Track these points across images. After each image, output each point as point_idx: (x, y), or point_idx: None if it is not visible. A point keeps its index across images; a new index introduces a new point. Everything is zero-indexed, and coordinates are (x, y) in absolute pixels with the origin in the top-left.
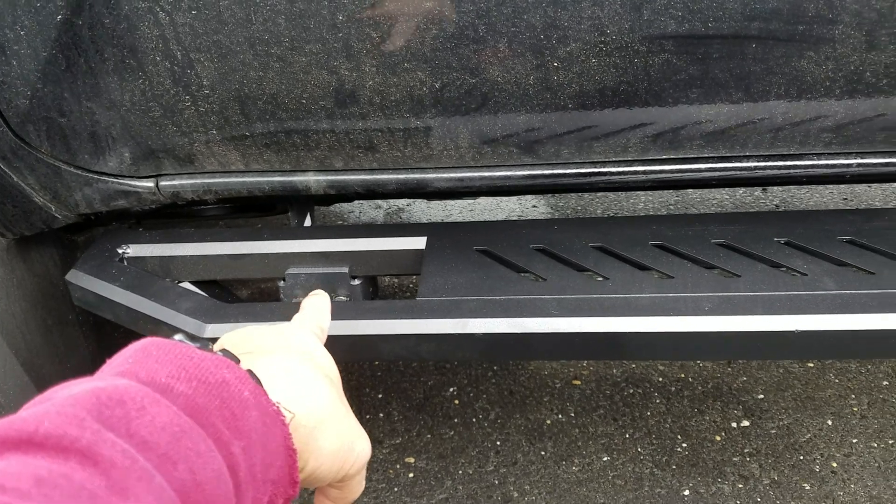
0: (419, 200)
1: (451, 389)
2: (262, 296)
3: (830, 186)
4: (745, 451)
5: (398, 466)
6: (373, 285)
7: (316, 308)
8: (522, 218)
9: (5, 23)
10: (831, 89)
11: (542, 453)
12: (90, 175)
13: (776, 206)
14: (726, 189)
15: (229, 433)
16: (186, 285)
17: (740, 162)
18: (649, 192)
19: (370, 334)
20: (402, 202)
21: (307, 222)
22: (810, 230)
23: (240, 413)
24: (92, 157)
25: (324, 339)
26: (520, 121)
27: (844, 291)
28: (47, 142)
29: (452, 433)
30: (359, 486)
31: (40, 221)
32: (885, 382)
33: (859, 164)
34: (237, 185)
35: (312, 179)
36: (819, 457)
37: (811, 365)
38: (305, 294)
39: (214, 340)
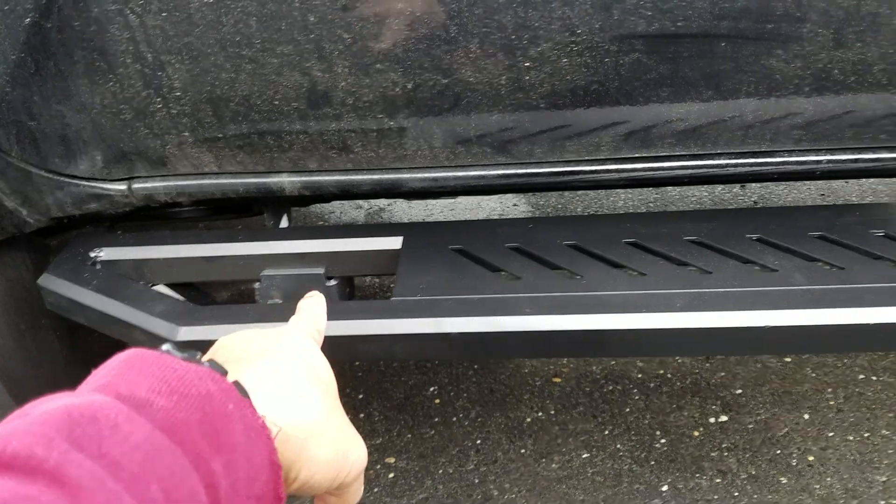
0: (400, 200)
1: (432, 388)
2: (243, 298)
3: (808, 183)
4: (723, 445)
5: (378, 467)
6: (349, 286)
7: (312, 310)
8: (503, 217)
9: None
10: (800, 87)
11: (522, 451)
12: (61, 178)
13: (754, 202)
14: (705, 186)
15: (210, 449)
16: (161, 288)
17: (712, 160)
18: (629, 190)
19: (345, 335)
20: (383, 202)
21: (284, 223)
22: (782, 227)
23: (222, 427)
24: (63, 161)
25: (320, 341)
26: (493, 121)
27: (814, 287)
28: (17, 145)
29: (433, 432)
30: (357, 492)
31: (11, 226)
32: (861, 376)
33: (829, 161)
34: (211, 187)
35: (287, 180)
36: (796, 451)
37: (788, 360)
38: (281, 296)
39: (213, 342)
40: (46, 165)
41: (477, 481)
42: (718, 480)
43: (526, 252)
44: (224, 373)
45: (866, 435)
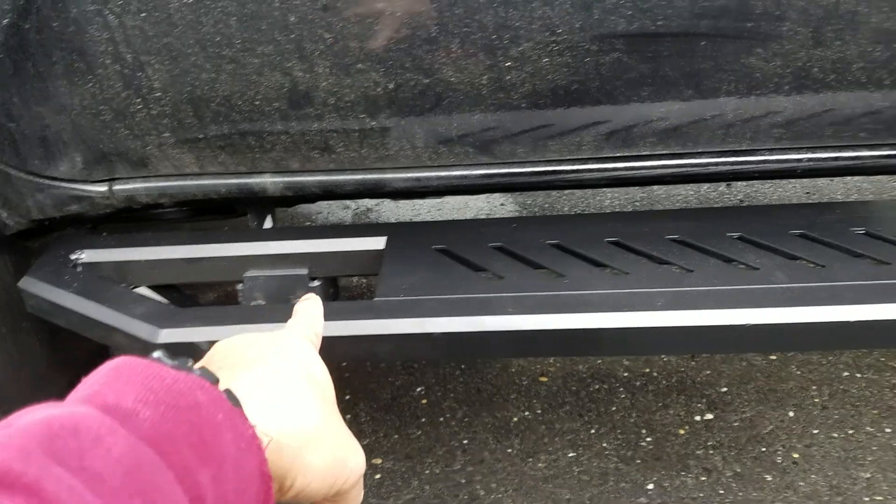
0: (387, 200)
1: (419, 389)
2: (229, 299)
3: (793, 181)
4: (709, 443)
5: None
6: (333, 287)
7: (309, 313)
8: (491, 216)
9: None
10: (780, 85)
11: (509, 451)
12: (41, 180)
13: (740, 201)
14: (691, 185)
15: (197, 460)
16: (143, 290)
17: (693, 158)
18: (615, 189)
19: (327, 336)
20: (370, 202)
21: (268, 224)
22: (763, 225)
23: (211, 438)
24: (43, 162)
25: (318, 345)
26: (474, 121)
27: (795, 285)
28: None
29: (420, 433)
30: (356, 498)
31: None
32: (845, 373)
33: (809, 159)
34: (192, 189)
35: (269, 181)
36: (781, 448)
37: (773, 357)
38: (264, 297)
39: (195, 344)
40: (26, 167)
41: (464, 481)
42: (704, 478)
43: (509, 252)
44: (215, 381)
45: (851, 432)
